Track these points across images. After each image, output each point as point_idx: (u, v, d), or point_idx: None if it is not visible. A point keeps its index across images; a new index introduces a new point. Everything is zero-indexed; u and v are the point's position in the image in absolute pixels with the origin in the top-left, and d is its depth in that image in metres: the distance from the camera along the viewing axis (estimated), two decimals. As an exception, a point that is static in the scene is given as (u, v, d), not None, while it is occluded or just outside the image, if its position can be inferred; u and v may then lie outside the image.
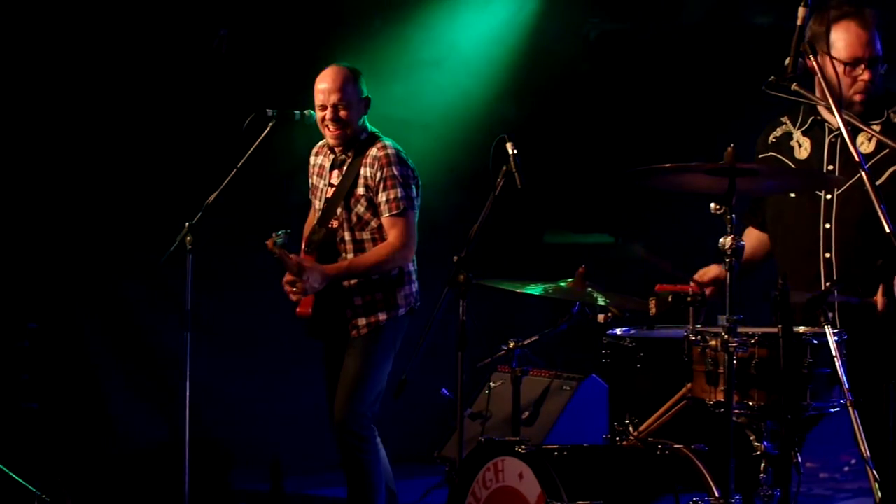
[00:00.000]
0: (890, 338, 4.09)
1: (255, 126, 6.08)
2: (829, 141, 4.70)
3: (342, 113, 5.84)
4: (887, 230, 3.73)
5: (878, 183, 4.55)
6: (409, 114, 7.06)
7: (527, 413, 6.24)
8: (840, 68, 4.62)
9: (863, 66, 4.64)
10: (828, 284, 4.43)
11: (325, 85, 5.86)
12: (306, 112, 6.13)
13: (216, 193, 6.09)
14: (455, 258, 5.11)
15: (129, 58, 7.37)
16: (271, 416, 7.63)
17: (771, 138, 4.92)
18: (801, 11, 4.07)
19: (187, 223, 6.09)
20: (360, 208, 5.84)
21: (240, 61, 7.56)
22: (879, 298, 4.33)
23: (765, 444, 4.39)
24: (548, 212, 8.79)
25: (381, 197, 5.80)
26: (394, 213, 5.79)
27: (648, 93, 8.29)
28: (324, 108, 5.87)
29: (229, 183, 6.09)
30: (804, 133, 4.82)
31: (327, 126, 5.88)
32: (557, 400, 6.34)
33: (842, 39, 4.66)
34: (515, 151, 5.18)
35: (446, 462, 6.41)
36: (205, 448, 6.98)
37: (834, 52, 4.63)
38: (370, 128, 5.96)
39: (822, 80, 4.12)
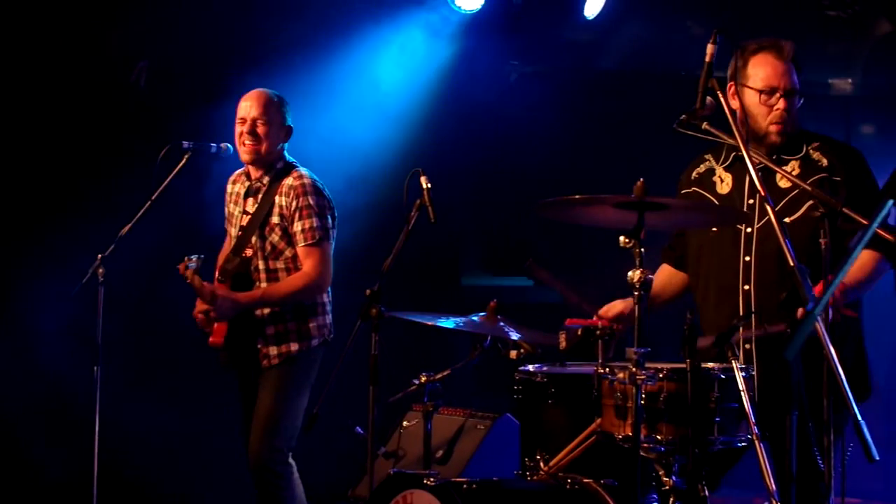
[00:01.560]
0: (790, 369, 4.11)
1: (170, 158, 6.06)
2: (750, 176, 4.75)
3: (260, 129, 5.81)
4: (791, 264, 3.76)
5: (795, 216, 4.64)
6: (326, 148, 7.04)
7: (441, 452, 6.22)
8: (756, 98, 4.70)
9: (778, 94, 4.71)
10: (734, 321, 4.45)
11: (248, 102, 5.85)
12: (223, 145, 6.11)
13: (129, 226, 6.05)
14: (368, 291, 5.10)
15: (47, 88, 7.30)
16: (185, 452, 7.52)
17: (694, 174, 5.00)
18: (709, 48, 4.12)
19: (100, 255, 6.05)
20: (275, 237, 5.81)
21: (158, 94, 7.52)
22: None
23: (674, 479, 4.40)
24: (465, 253, 8.81)
25: (297, 227, 5.77)
26: (309, 242, 5.77)
27: (570, 134, 8.35)
28: (243, 121, 5.84)
29: (143, 215, 6.05)
30: (726, 169, 4.89)
31: (243, 142, 5.85)
32: (471, 438, 6.32)
33: (759, 70, 4.75)
34: (429, 185, 5.19)
35: (359, 502, 6.36)
36: (115, 487, 6.87)
37: (751, 84, 4.71)
38: (288, 158, 5.95)
39: (730, 116, 4.16)
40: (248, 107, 5.84)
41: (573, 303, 4.73)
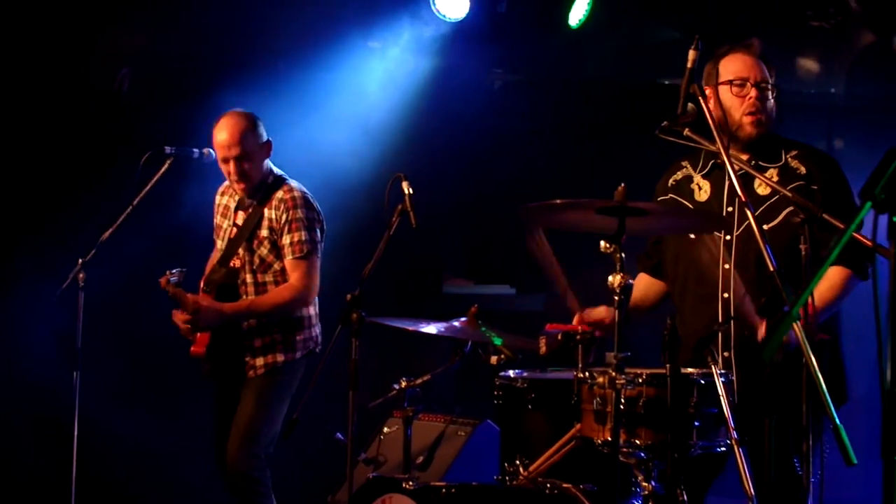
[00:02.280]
0: (768, 374, 4.12)
1: (152, 164, 6.04)
2: (729, 183, 4.75)
3: (245, 165, 5.80)
4: (771, 269, 3.76)
5: (774, 223, 4.65)
6: (308, 155, 7.03)
7: (421, 458, 6.20)
8: (728, 92, 4.73)
9: (749, 84, 4.74)
10: (714, 327, 4.46)
11: (223, 137, 5.79)
12: (205, 150, 6.10)
13: (110, 231, 6.03)
14: (348, 296, 5.09)
15: (30, 94, 7.30)
16: (164, 457, 7.50)
17: (671, 181, 5.00)
18: (691, 54, 4.13)
19: (80, 260, 6.03)
20: (263, 250, 5.81)
21: (141, 100, 7.51)
22: (761, 331, 4.36)
23: (653, 484, 4.40)
24: (447, 261, 8.81)
25: (286, 239, 5.77)
26: (297, 255, 5.77)
27: (553, 142, 8.35)
28: (226, 161, 5.82)
29: (125, 220, 6.03)
30: (704, 176, 4.90)
31: (233, 179, 5.85)
32: (452, 445, 6.31)
33: (729, 66, 4.81)
34: (411, 191, 5.18)
35: (339, 508, 6.34)
36: (94, 491, 6.85)
37: (722, 79, 4.76)
38: (276, 171, 5.93)
39: (711, 121, 4.16)
40: (225, 144, 5.78)
41: (561, 292, 4.71)
